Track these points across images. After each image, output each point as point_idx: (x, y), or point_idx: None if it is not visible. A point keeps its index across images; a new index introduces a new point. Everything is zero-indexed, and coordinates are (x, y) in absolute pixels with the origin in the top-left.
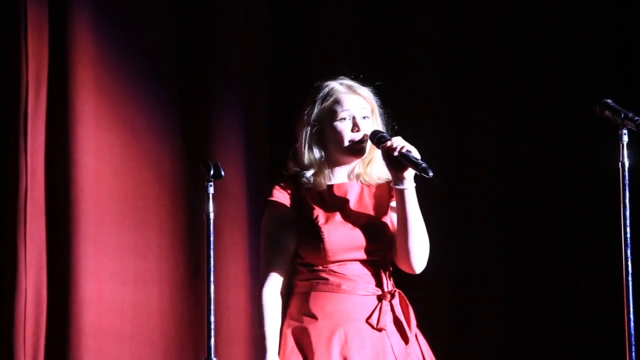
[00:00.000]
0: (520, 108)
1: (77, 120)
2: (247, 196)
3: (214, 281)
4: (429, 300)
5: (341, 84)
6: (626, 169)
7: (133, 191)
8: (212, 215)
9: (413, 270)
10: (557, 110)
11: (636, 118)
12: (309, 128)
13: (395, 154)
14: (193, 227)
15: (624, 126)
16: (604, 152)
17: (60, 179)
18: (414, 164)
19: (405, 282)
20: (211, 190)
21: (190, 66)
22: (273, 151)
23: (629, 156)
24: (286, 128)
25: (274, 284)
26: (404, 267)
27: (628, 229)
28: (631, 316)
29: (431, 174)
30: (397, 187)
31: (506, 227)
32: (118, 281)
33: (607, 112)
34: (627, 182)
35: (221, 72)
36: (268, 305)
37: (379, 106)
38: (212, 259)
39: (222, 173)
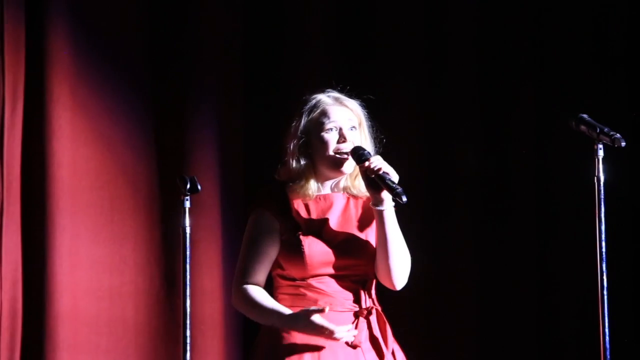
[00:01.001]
0: (496, 119)
1: (53, 134)
2: (222, 210)
3: (189, 295)
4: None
5: (328, 96)
6: (602, 183)
7: (109, 205)
8: (188, 229)
9: (394, 286)
10: (534, 121)
11: (611, 133)
12: (296, 140)
13: (373, 175)
14: (168, 241)
15: (599, 141)
16: (580, 165)
17: (36, 193)
18: (389, 187)
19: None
20: (187, 204)
21: (166, 81)
22: (248, 165)
23: (604, 171)
24: (261, 142)
25: (252, 282)
26: (385, 283)
27: (603, 244)
28: (606, 330)
29: (405, 199)
30: (376, 208)
31: (482, 238)
32: (93, 295)
33: (582, 127)
34: (602, 196)
35: (197, 86)
36: (253, 291)
37: (367, 119)
38: (188, 273)
39: (199, 187)
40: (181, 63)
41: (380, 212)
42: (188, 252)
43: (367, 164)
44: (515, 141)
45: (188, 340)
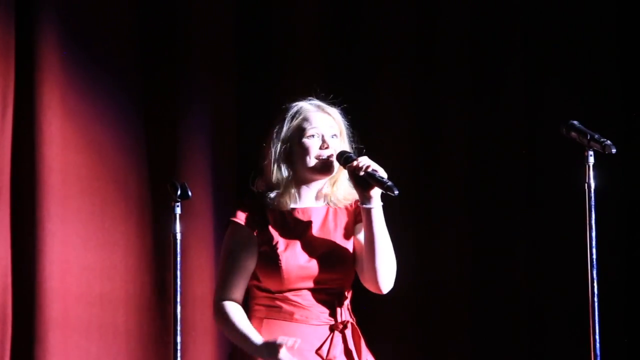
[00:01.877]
0: (487, 125)
1: (43, 140)
2: (214, 216)
3: (180, 301)
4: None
5: (310, 103)
6: (592, 190)
7: (99, 211)
8: (179, 236)
9: (380, 290)
10: (525, 127)
11: (602, 139)
12: (277, 146)
13: (361, 173)
14: (159, 247)
15: (590, 147)
16: (570, 172)
17: (26, 199)
18: (379, 182)
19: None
20: (178, 210)
21: (157, 86)
22: (240, 171)
23: (595, 177)
24: (254, 148)
25: (231, 297)
26: (370, 287)
27: (594, 251)
28: (597, 337)
29: (397, 192)
30: (364, 206)
31: (472, 243)
32: (84, 301)
33: (573, 134)
34: (593, 203)
35: (188, 91)
36: (230, 310)
37: (347, 128)
38: (178, 279)
39: (189, 193)
40: (172, 67)
41: (369, 211)
42: (179, 259)
43: (355, 163)
44: (506, 147)
45: (179, 347)
